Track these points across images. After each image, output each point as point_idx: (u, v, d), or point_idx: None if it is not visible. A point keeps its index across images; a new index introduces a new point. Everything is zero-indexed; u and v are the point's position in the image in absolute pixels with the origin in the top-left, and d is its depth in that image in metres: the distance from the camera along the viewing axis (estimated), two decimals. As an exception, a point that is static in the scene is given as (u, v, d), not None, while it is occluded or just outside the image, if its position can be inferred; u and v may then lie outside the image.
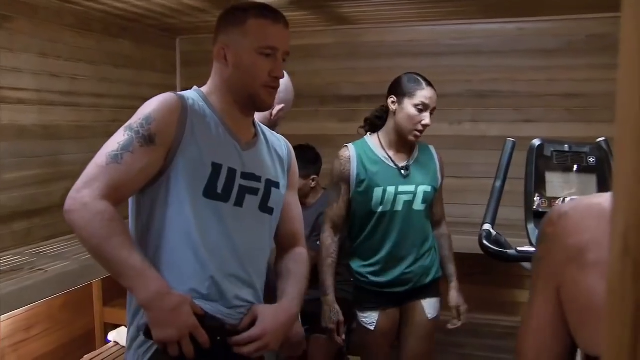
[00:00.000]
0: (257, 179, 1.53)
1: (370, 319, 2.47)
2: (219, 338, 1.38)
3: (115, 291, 3.43)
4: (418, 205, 2.41)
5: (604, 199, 0.85)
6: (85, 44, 3.25)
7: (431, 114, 2.38)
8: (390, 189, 2.36)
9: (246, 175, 1.51)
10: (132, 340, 1.50)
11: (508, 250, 1.59)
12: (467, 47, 3.65)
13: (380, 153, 2.44)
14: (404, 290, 2.43)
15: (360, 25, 3.79)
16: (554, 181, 1.69)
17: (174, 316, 1.31)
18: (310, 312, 2.73)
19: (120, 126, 1.45)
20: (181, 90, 1.56)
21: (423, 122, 2.35)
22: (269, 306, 1.53)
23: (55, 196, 3.06)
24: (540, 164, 1.69)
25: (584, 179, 1.69)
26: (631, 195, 0.34)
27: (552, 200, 1.67)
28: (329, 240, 2.46)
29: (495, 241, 1.61)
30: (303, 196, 3.01)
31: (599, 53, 3.38)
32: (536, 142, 1.72)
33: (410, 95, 2.38)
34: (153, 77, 3.85)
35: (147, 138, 1.38)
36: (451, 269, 2.55)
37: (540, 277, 0.90)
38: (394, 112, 2.42)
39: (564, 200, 1.65)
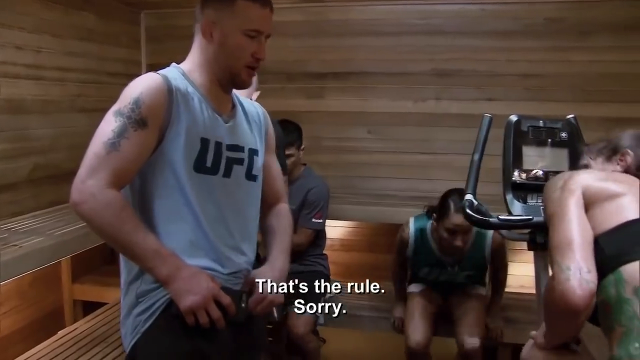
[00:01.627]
0: (241, 149, 1.59)
1: None
2: (242, 299, 1.47)
3: (84, 267, 3.41)
4: None
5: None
6: (49, 16, 3.18)
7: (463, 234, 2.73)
8: None
9: (231, 147, 1.56)
10: (130, 307, 1.53)
11: (490, 219, 1.69)
12: (430, 27, 3.75)
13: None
14: None
15: (325, 3, 3.84)
16: (530, 154, 1.80)
17: (196, 283, 1.38)
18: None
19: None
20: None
21: (455, 243, 2.73)
22: (262, 268, 1.62)
23: (22, 172, 3.01)
24: (517, 138, 1.80)
25: (557, 153, 1.81)
26: None
27: (528, 172, 1.78)
28: None
29: (477, 210, 1.71)
30: (292, 168, 3.08)
31: (554, 36, 3.55)
32: (513, 117, 1.82)
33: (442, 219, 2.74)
34: (118, 52, 3.79)
35: (139, 122, 1.39)
36: None
37: (565, 193, 1.29)
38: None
39: (539, 172, 1.76)
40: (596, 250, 1.20)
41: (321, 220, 3.17)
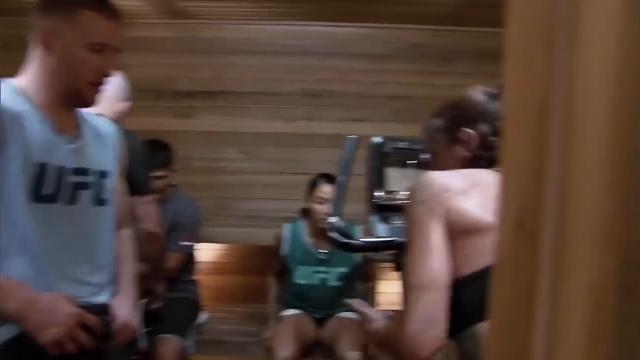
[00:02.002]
0: (88, 172, 1.46)
1: None
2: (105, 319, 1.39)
3: None
4: None
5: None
6: None
7: None
8: None
9: (76, 171, 1.43)
10: None
11: (353, 241, 1.68)
12: (302, 47, 3.77)
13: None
14: None
15: (197, 20, 3.74)
16: (393, 175, 1.81)
17: (54, 313, 1.28)
18: (158, 312, 2.69)
19: None
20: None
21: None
22: (116, 298, 1.52)
23: None
24: (380, 159, 1.81)
25: (420, 173, 1.84)
26: (525, 169, 0.40)
27: (392, 194, 1.79)
28: None
29: (342, 233, 1.69)
30: (163, 190, 2.92)
31: (420, 60, 3.70)
32: (377, 139, 1.83)
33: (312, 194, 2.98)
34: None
35: None
36: None
37: (427, 213, 1.12)
38: None
39: (401, 193, 1.78)
40: (455, 294, 1.11)
41: (190, 243, 3.03)
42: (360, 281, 3.11)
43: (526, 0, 0.40)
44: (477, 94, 1.32)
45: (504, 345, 0.42)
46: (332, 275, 3.01)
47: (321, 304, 3.04)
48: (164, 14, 3.59)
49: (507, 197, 0.42)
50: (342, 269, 3.01)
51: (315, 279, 3.02)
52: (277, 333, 2.92)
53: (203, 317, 3.30)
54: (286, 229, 3.09)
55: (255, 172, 3.76)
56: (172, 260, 2.95)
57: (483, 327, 1.06)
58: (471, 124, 1.27)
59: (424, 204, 1.13)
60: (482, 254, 1.09)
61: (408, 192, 1.75)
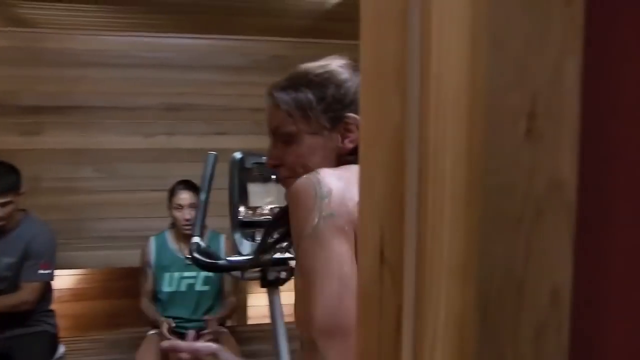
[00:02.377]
0: None
1: None
2: None
3: None
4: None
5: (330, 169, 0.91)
6: None
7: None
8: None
9: None
10: None
11: (218, 261, 1.62)
12: (159, 60, 3.63)
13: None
14: None
15: (42, 29, 3.47)
16: (255, 191, 1.77)
17: None
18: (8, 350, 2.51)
19: None
20: None
21: (185, 217, 2.91)
22: None
23: None
24: (242, 175, 1.76)
25: (281, 188, 1.81)
26: (384, 202, 0.37)
27: (255, 210, 1.75)
28: None
29: (205, 253, 1.63)
30: (9, 216, 2.65)
31: (281, 72, 3.65)
32: (237, 155, 1.78)
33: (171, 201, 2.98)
34: None
35: None
36: None
37: (339, 233, 0.83)
38: None
39: (265, 208, 1.75)
40: None
41: (49, 271, 2.79)
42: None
43: (376, 30, 0.38)
44: (342, 68, 1.05)
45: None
46: (199, 279, 3.00)
47: (188, 313, 2.97)
48: (2, 21, 3.29)
49: (368, 232, 0.40)
50: (208, 273, 2.97)
51: (182, 286, 2.98)
52: (138, 353, 2.80)
53: (61, 350, 3.05)
54: (151, 241, 3.04)
55: (112, 191, 3.55)
56: (28, 292, 2.70)
57: None
58: (349, 106, 1.00)
59: (330, 220, 0.84)
60: None
61: (274, 206, 1.74)
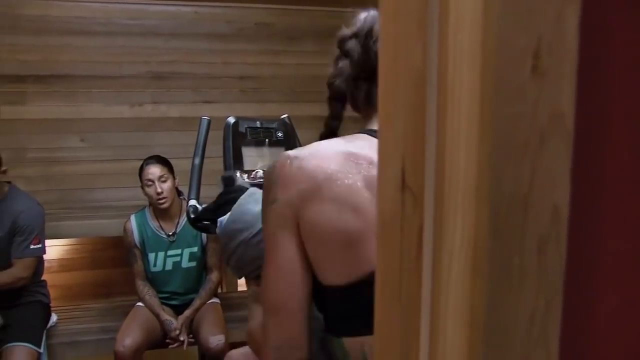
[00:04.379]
0: None
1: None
2: None
3: None
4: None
5: (326, 143, 0.96)
6: None
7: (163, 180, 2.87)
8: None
9: None
10: None
11: (217, 220, 1.66)
12: (144, 27, 3.61)
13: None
14: None
15: (20, -4, 3.42)
16: (250, 155, 1.81)
17: None
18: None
19: None
20: None
21: (157, 191, 2.86)
22: None
23: None
24: (236, 139, 1.79)
25: (275, 152, 1.85)
26: (406, 135, 0.42)
27: (249, 173, 1.79)
28: None
29: (202, 215, 1.67)
30: None
31: (266, 40, 3.71)
32: (231, 119, 1.81)
33: (141, 178, 2.91)
34: None
35: None
36: None
37: (279, 220, 0.91)
38: None
39: (259, 172, 1.79)
40: (333, 302, 0.97)
41: (40, 245, 2.80)
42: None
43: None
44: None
45: (392, 299, 0.45)
46: (184, 256, 3.00)
47: (178, 289, 3.00)
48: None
49: (388, 163, 0.45)
50: (193, 249, 3.00)
51: (168, 264, 2.98)
52: (124, 322, 2.85)
53: (53, 319, 3.10)
54: (131, 220, 2.99)
55: (99, 160, 3.56)
56: (22, 267, 2.72)
57: (348, 342, 0.97)
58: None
59: (274, 205, 0.93)
60: (357, 263, 0.91)
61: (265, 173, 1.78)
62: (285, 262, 0.92)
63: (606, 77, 0.40)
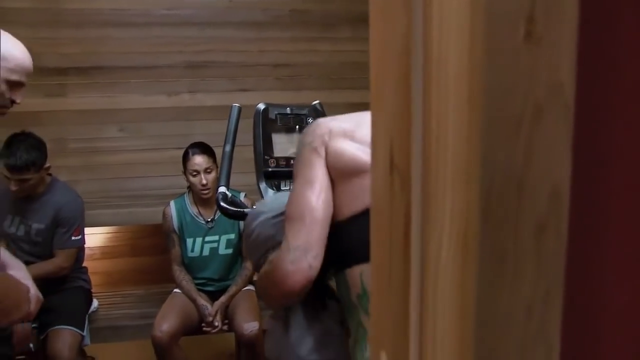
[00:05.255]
0: None
1: None
2: None
3: None
4: None
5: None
6: None
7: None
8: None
9: None
10: None
11: (245, 209, 1.65)
12: (180, 17, 3.63)
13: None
14: None
15: (61, -10, 3.49)
16: (280, 141, 1.80)
17: None
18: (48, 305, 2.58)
19: None
20: None
21: (202, 183, 2.89)
22: None
23: None
24: (266, 126, 1.78)
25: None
26: (393, 112, 0.39)
27: (279, 160, 1.78)
28: None
29: (231, 202, 1.66)
30: (35, 187, 2.72)
31: (301, 27, 3.68)
32: (261, 106, 1.80)
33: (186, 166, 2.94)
34: None
35: None
36: None
37: (312, 152, 1.12)
38: None
39: (290, 158, 1.77)
40: (336, 237, 1.10)
41: (80, 236, 2.89)
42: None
43: None
44: None
45: (384, 282, 0.42)
46: (221, 243, 3.01)
47: (213, 275, 3.02)
48: (23, -16, 3.31)
49: (378, 141, 0.42)
50: (230, 236, 3.01)
51: (205, 250, 3.01)
52: (161, 308, 2.88)
53: (95, 304, 3.18)
54: (171, 206, 3.03)
55: (137, 150, 3.61)
56: (64, 258, 2.81)
57: (350, 274, 1.08)
58: None
59: (309, 145, 1.14)
60: (361, 195, 1.07)
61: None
62: (315, 180, 1.09)
63: (611, 44, 0.36)
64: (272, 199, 1.51)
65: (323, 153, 1.11)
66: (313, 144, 1.13)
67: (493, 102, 0.35)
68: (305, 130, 1.22)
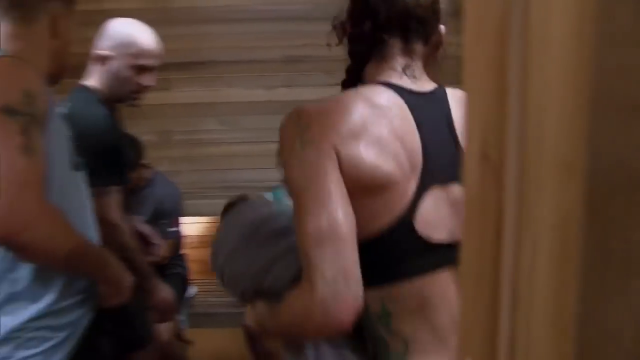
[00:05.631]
0: None
1: None
2: None
3: None
4: None
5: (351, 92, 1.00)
6: None
7: None
8: None
9: None
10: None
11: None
12: (278, 12, 3.68)
13: None
14: None
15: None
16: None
17: None
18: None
19: None
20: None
21: None
22: None
23: None
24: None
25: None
26: (488, 92, 0.35)
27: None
28: None
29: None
30: (135, 182, 2.86)
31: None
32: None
33: None
34: None
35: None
36: None
37: (319, 154, 0.89)
38: None
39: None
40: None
41: (177, 228, 3.03)
42: None
43: None
44: None
45: (475, 279, 0.38)
46: None
47: None
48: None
49: (472, 130, 0.38)
50: None
51: None
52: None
53: (192, 291, 3.29)
54: (268, 197, 3.04)
55: (236, 142, 3.70)
56: (165, 249, 2.93)
57: (384, 297, 0.93)
58: None
59: (312, 145, 0.90)
60: (378, 216, 0.89)
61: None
62: (334, 190, 0.86)
63: None
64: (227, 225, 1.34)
65: (334, 156, 0.88)
66: (320, 144, 0.89)
67: (603, 83, 0.30)
68: (289, 120, 0.95)
